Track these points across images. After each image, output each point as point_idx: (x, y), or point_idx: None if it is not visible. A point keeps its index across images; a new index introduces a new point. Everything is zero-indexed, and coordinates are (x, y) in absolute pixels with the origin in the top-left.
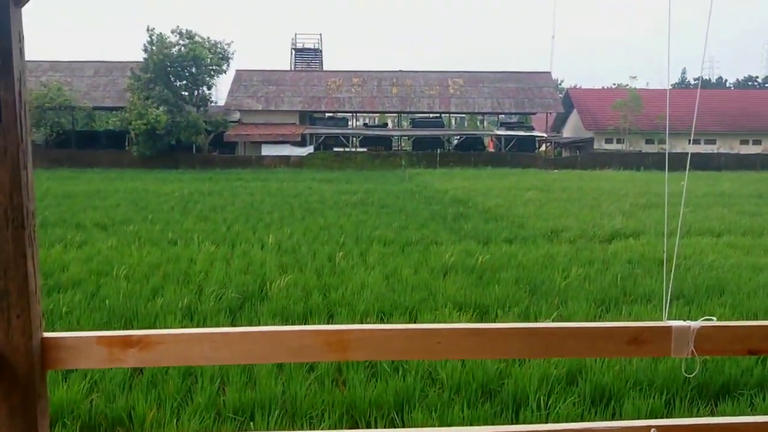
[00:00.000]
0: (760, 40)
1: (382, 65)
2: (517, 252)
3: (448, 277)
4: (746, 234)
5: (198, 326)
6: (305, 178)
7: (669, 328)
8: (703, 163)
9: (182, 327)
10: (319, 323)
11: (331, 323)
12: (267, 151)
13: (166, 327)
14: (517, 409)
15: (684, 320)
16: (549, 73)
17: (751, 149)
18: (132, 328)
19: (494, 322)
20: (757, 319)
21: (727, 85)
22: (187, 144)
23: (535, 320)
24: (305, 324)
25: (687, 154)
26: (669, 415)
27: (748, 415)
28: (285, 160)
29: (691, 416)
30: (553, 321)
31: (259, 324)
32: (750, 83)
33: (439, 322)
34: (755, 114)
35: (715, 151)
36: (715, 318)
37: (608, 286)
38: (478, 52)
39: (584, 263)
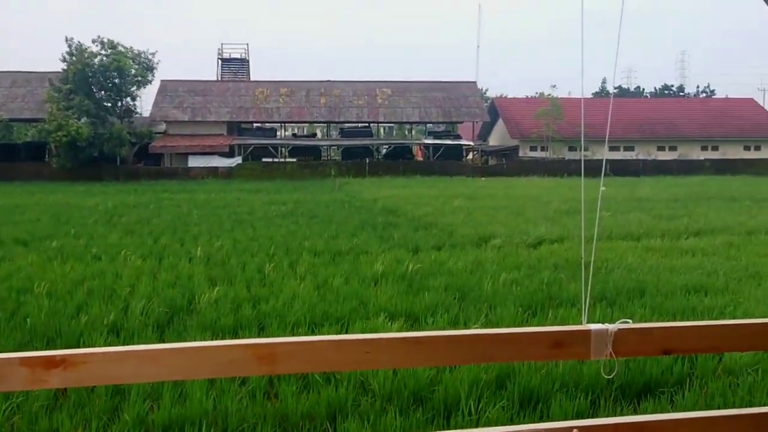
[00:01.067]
0: (675, 51)
1: (310, 75)
2: (447, 259)
3: (379, 286)
4: (664, 237)
5: (125, 343)
6: (234, 189)
7: (588, 331)
8: (622, 169)
9: (108, 345)
10: (250, 336)
11: (262, 335)
12: (194, 162)
13: (91, 345)
14: (448, 415)
15: (602, 323)
16: (474, 82)
17: (668, 155)
18: (56, 347)
19: (425, 329)
20: (675, 320)
21: (645, 93)
22: (110, 156)
23: (465, 326)
24: (235, 337)
25: (608, 160)
26: (594, 415)
27: (667, 412)
28: (213, 171)
29: (614, 416)
30: (481, 326)
31: (187, 339)
32: (666, 92)
33: (371, 331)
34: (671, 121)
35: (634, 158)
36: (631, 321)
37: (535, 291)
38: (404, 62)
39: (511, 269)
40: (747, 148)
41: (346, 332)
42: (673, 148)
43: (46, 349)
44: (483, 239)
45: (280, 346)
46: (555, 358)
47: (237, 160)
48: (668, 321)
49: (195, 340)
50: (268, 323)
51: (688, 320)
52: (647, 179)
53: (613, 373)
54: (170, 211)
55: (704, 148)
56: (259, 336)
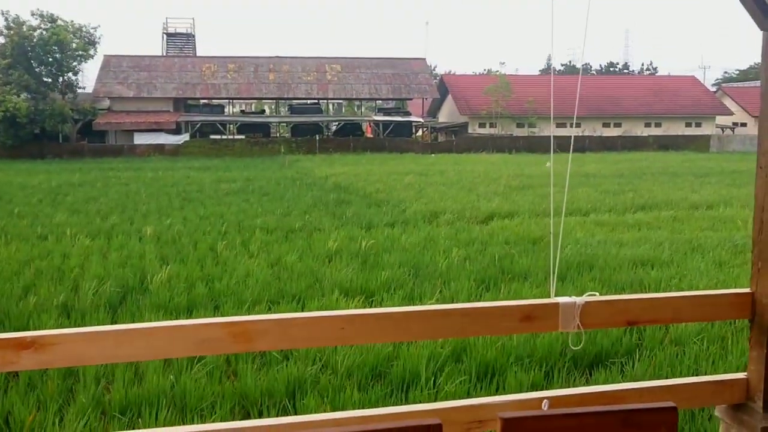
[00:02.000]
0: (621, 28)
1: (257, 51)
2: (400, 236)
3: (333, 263)
4: (611, 212)
5: (76, 325)
6: (182, 166)
7: (556, 304)
8: (569, 145)
9: (60, 326)
10: (205, 314)
11: (217, 315)
12: (140, 139)
13: (41, 327)
14: (406, 389)
15: (570, 297)
16: (424, 59)
17: (613, 131)
18: (4, 329)
19: (380, 305)
20: (625, 292)
21: (591, 71)
22: (52, 133)
23: (420, 302)
24: (189, 317)
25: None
26: (548, 386)
27: (627, 382)
28: (159, 149)
29: (569, 386)
30: (436, 302)
31: (141, 320)
32: (612, 69)
33: (326, 308)
34: (616, 98)
35: (580, 134)
36: (597, 293)
37: (487, 266)
38: (353, 38)
39: (464, 244)
40: (688, 125)
41: (303, 309)
42: (617, 125)
43: None
44: (434, 215)
45: (255, 323)
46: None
47: (184, 138)
48: (629, 294)
49: (149, 321)
50: (222, 302)
51: (638, 292)
52: (593, 155)
53: (580, 344)
54: (117, 189)
55: (648, 125)
56: (213, 315)
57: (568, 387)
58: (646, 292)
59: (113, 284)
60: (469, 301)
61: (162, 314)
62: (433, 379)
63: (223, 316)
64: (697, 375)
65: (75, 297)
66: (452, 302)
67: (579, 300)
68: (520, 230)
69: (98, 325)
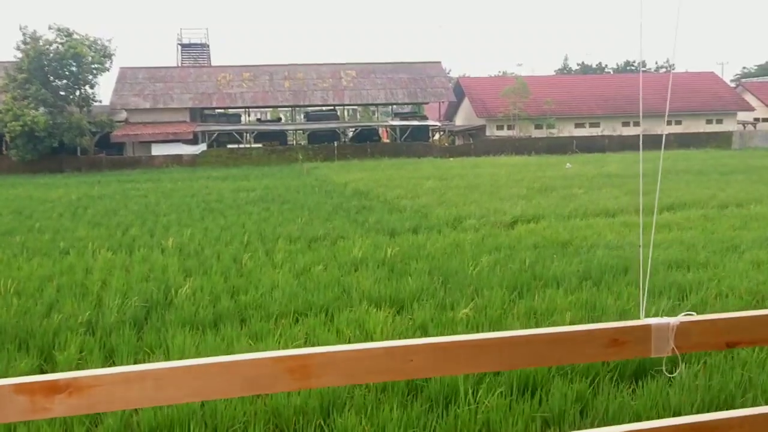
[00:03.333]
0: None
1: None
2: (425, 242)
3: (360, 272)
4: (638, 213)
5: (102, 342)
6: (200, 176)
7: (648, 326)
8: (588, 145)
9: (84, 345)
10: (232, 329)
11: (245, 328)
12: (157, 150)
13: (66, 346)
14: (447, 404)
15: (662, 317)
16: (439, 62)
17: (632, 131)
18: (28, 348)
19: (411, 315)
20: (655, 294)
21: (607, 70)
22: (71, 146)
23: (452, 310)
24: (216, 331)
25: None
26: (594, 399)
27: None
28: (177, 159)
29: (616, 398)
30: (471, 311)
31: (167, 335)
32: (628, 68)
33: (356, 319)
34: (634, 97)
35: (600, 134)
36: (695, 313)
37: (518, 272)
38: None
39: (491, 250)
40: (709, 122)
41: (332, 321)
42: (637, 124)
43: (19, 353)
44: (458, 220)
45: (313, 357)
46: (612, 358)
47: (201, 147)
48: (729, 312)
49: (177, 336)
50: (249, 315)
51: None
52: (613, 155)
53: (677, 371)
54: (137, 201)
55: (668, 123)
56: (241, 329)
57: (616, 399)
58: (680, 294)
59: (137, 299)
60: (503, 308)
61: (188, 329)
62: (471, 391)
63: (249, 329)
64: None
65: (99, 313)
66: (484, 310)
67: (673, 321)
68: (548, 234)
69: (123, 343)
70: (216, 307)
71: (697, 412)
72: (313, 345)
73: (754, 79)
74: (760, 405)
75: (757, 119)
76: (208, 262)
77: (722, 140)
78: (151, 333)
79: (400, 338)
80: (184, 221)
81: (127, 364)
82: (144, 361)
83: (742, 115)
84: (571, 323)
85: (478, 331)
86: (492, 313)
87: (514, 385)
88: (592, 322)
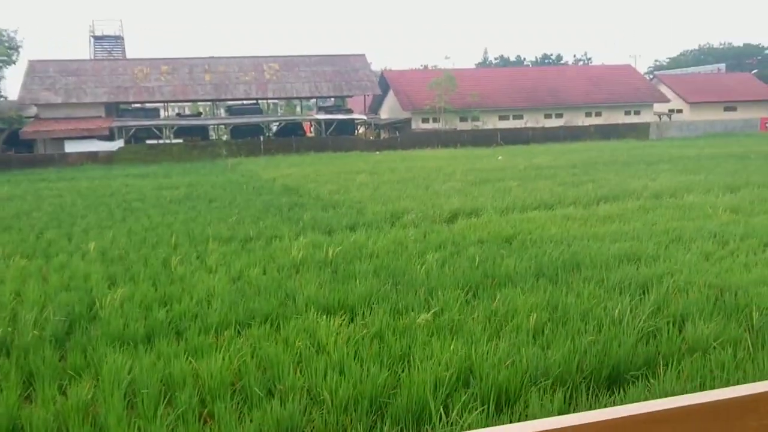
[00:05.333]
0: (551, 20)
1: (192, 52)
2: (366, 240)
3: (302, 275)
4: (575, 205)
5: (18, 364)
6: (118, 174)
7: None
8: (513, 137)
9: None
10: (168, 344)
11: (182, 343)
12: (71, 147)
13: None
14: (417, 424)
15: None
16: (364, 55)
17: (555, 122)
18: None
19: (364, 322)
20: (615, 291)
21: (525, 63)
22: None
23: (407, 316)
24: (150, 347)
25: (498, 129)
26: (577, 410)
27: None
28: (92, 157)
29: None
30: (431, 315)
31: (95, 353)
32: (546, 60)
33: (306, 329)
34: (556, 89)
35: (523, 126)
36: None
37: (469, 270)
38: (290, 36)
39: (436, 247)
40: (628, 113)
41: (279, 332)
42: (559, 116)
43: None
44: (396, 216)
45: None
46: None
47: (118, 144)
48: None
49: (107, 356)
50: (185, 327)
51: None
52: (537, 147)
53: None
54: (51, 201)
55: (588, 115)
56: (178, 344)
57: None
58: (639, 290)
59: (58, 312)
60: (461, 312)
61: (118, 346)
62: (442, 407)
63: (187, 344)
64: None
65: (14, 331)
66: (442, 314)
67: None
68: (491, 229)
69: (44, 365)
70: (147, 320)
71: None
72: (260, 359)
73: (668, 72)
74: None
75: (672, 110)
76: (134, 268)
77: (640, 131)
78: (76, 352)
79: (355, 349)
80: (104, 223)
81: (50, 389)
82: (71, 387)
83: (658, 107)
84: (536, 326)
85: (439, 338)
86: (451, 316)
87: (491, 399)
88: (556, 323)
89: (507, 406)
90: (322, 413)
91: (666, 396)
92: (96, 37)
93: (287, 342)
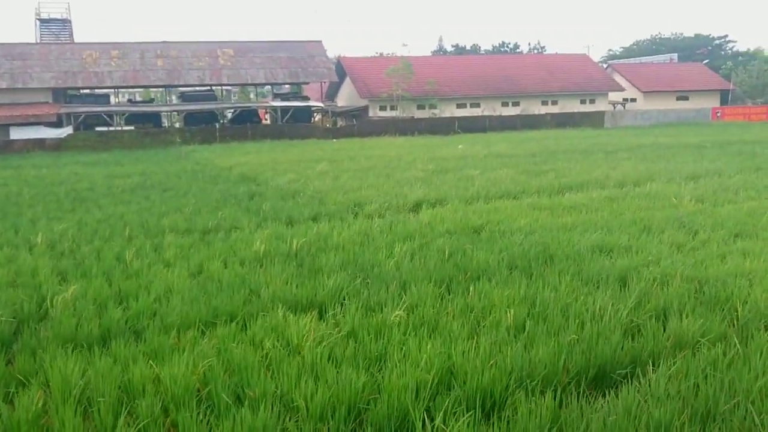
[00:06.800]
0: (506, 8)
1: (143, 36)
2: (330, 231)
3: (266, 269)
4: (539, 194)
5: None
6: (67, 162)
7: None
8: (470, 125)
9: None
10: (125, 346)
11: (141, 344)
12: (16, 134)
13: None
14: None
15: None
16: (320, 41)
17: (512, 110)
18: None
19: (333, 320)
20: (592, 284)
21: (482, 50)
22: None
23: (381, 312)
24: (106, 350)
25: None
26: (566, 415)
27: None
28: (39, 144)
29: (591, 411)
30: (404, 311)
31: (45, 355)
32: (503, 49)
33: (274, 329)
34: (513, 77)
35: (480, 114)
36: None
37: (440, 263)
38: (245, 20)
39: (403, 238)
40: (583, 102)
41: (245, 331)
42: (516, 104)
43: None
44: (359, 206)
45: None
46: None
47: (67, 131)
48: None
49: (57, 359)
50: (143, 326)
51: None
52: (495, 135)
53: None
54: None
55: (544, 103)
56: (136, 345)
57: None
58: (625, 284)
59: (4, 312)
60: (434, 307)
61: (71, 349)
62: (424, 415)
63: (147, 345)
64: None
65: None
66: (416, 310)
67: None
68: (457, 219)
69: None
70: (102, 319)
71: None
72: (227, 362)
73: (622, 61)
74: None
75: (626, 99)
76: (86, 262)
77: (595, 119)
78: (24, 355)
79: (329, 350)
80: (53, 213)
81: None
82: (17, 396)
83: (613, 96)
84: (516, 323)
85: (416, 336)
86: (425, 312)
87: (477, 404)
88: (537, 319)
89: (494, 411)
90: (297, 422)
91: (658, 398)
92: (42, 20)
93: (255, 342)
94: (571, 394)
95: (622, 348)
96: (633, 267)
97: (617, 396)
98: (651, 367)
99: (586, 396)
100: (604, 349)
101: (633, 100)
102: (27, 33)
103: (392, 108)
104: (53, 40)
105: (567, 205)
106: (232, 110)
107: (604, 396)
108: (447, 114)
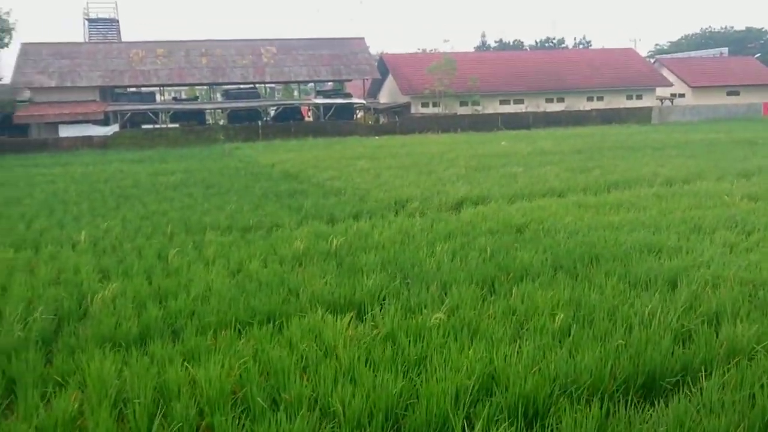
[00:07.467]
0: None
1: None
2: (370, 230)
3: (305, 268)
4: (586, 192)
5: (1, 369)
6: (113, 159)
7: None
8: (514, 122)
9: None
10: (162, 346)
11: (178, 344)
12: (65, 132)
13: None
14: None
15: None
16: (363, 38)
17: (556, 107)
18: None
19: (372, 321)
20: (640, 287)
21: (524, 46)
22: None
23: (420, 314)
24: (143, 349)
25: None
26: (612, 425)
27: None
28: (87, 141)
29: (642, 423)
30: (442, 316)
31: (83, 355)
32: (547, 44)
33: (312, 331)
34: (557, 73)
35: (524, 110)
36: None
37: (481, 263)
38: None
39: (445, 237)
40: (629, 97)
41: (282, 332)
42: (560, 100)
43: None
44: (400, 204)
45: None
46: None
47: (114, 128)
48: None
49: (94, 359)
50: (181, 326)
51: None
52: (539, 131)
53: None
54: (43, 188)
55: (590, 99)
56: (173, 346)
57: (639, 422)
58: (674, 287)
59: (45, 310)
60: (475, 309)
61: (109, 348)
62: (464, 422)
63: (183, 345)
64: None
65: None
66: (457, 312)
67: None
68: (500, 217)
69: (28, 370)
70: (141, 318)
71: None
72: (263, 364)
73: (670, 55)
74: None
75: (674, 94)
76: (128, 260)
77: (642, 116)
78: (63, 355)
79: (366, 352)
80: (97, 210)
81: (32, 399)
82: (54, 396)
83: (660, 91)
84: (561, 327)
85: (456, 340)
86: (466, 314)
87: (518, 412)
88: (582, 323)
89: (537, 420)
90: (333, 428)
91: (711, 408)
92: (90, 20)
93: (291, 344)
94: (618, 402)
95: (672, 354)
96: (683, 268)
97: (667, 405)
98: (703, 375)
99: (634, 405)
100: (654, 355)
101: (681, 95)
102: (76, 33)
103: (434, 105)
104: (101, 39)
105: (613, 203)
106: (274, 108)
107: (653, 405)
108: (490, 110)
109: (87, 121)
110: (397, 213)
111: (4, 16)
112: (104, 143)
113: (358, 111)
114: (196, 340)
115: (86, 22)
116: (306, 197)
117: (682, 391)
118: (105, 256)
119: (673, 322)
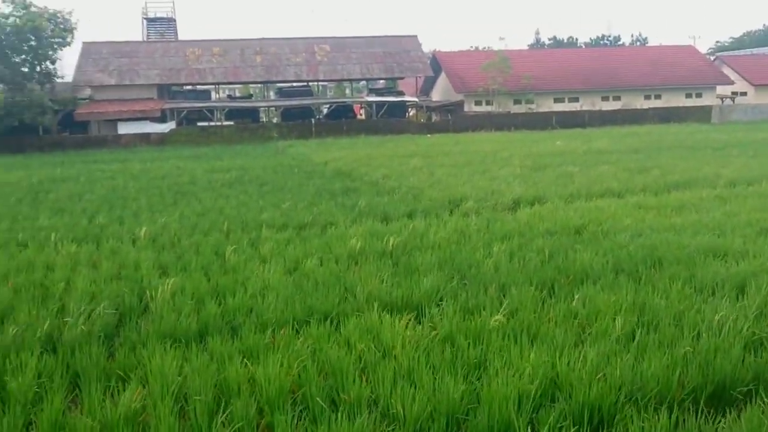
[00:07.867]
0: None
1: (242, 33)
2: (426, 229)
3: (361, 267)
4: (645, 192)
5: (65, 363)
6: (170, 156)
7: None
8: (568, 121)
9: (44, 367)
10: (221, 343)
11: (237, 342)
12: (124, 129)
13: (20, 368)
14: None
15: None
16: (416, 36)
17: (612, 105)
18: None
19: (430, 323)
20: (707, 292)
21: (579, 44)
22: (32, 125)
23: (479, 316)
24: (203, 346)
25: (553, 112)
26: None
27: None
28: (145, 138)
29: None
30: (501, 318)
31: (145, 350)
32: (602, 42)
33: (369, 329)
34: (613, 71)
35: (579, 109)
36: None
37: (540, 265)
38: (341, 16)
39: (501, 238)
40: (689, 96)
41: (339, 331)
42: (616, 98)
43: None
44: (454, 203)
45: None
46: None
47: (170, 125)
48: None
49: (155, 354)
50: (240, 323)
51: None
52: (595, 130)
53: None
54: (103, 184)
55: (647, 97)
56: (232, 343)
57: None
58: (742, 292)
59: (107, 304)
60: (536, 312)
61: (169, 344)
62: (528, 428)
63: (242, 343)
64: None
65: (62, 324)
66: (516, 315)
67: None
68: (557, 218)
69: (91, 365)
70: (200, 314)
71: None
72: (321, 363)
73: (731, 53)
74: None
75: (735, 93)
76: (186, 256)
77: (702, 114)
78: (125, 350)
79: (425, 354)
80: (155, 206)
81: (96, 394)
82: (119, 391)
83: (721, 89)
84: (625, 332)
85: (517, 343)
86: (526, 317)
87: (584, 419)
88: (647, 328)
89: (602, 428)
90: (395, 430)
91: None
92: (149, 20)
93: (349, 344)
94: (688, 411)
95: (743, 363)
96: (751, 273)
97: (739, 416)
98: None
99: (705, 415)
100: (723, 363)
101: (743, 93)
102: (134, 31)
103: (488, 103)
104: (159, 38)
105: (675, 204)
106: (327, 105)
107: (724, 415)
108: (544, 109)
109: (145, 119)
110: (451, 212)
111: (67, 16)
112: (161, 140)
113: (410, 109)
114: (255, 338)
115: (145, 21)
116: (359, 195)
117: (755, 402)
118: (164, 252)
119: (743, 330)
